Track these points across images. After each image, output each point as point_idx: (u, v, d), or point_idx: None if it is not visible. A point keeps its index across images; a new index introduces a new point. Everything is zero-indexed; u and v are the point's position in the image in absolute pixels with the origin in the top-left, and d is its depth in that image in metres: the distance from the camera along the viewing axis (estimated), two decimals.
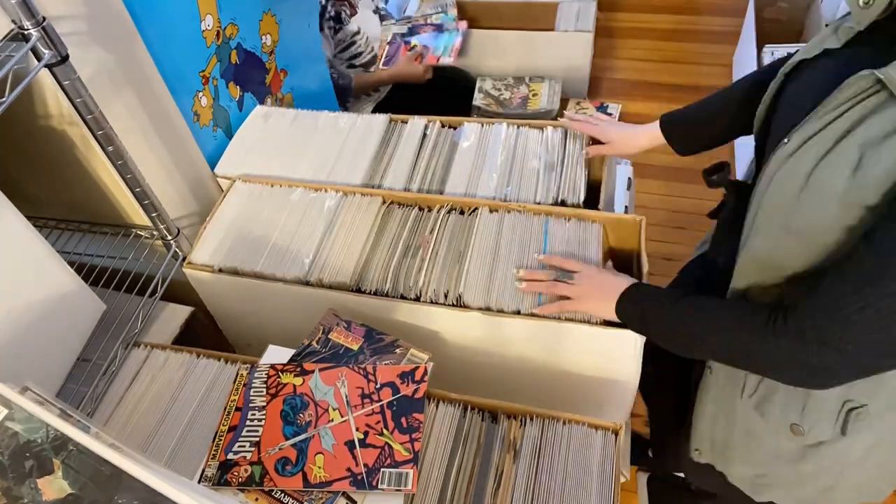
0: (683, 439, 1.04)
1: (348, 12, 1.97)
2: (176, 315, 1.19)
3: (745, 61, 2.42)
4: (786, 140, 0.72)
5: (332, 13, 1.93)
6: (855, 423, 0.79)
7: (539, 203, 1.14)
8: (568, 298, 0.95)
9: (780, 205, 0.72)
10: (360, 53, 2.04)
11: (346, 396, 0.90)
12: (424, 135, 1.30)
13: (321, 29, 1.89)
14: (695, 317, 0.80)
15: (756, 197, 0.77)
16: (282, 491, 0.83)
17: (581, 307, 0.95)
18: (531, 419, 0.91)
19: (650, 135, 1.10)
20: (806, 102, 0.71)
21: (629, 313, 0.89)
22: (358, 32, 2.02)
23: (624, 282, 0.91)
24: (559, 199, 1.14)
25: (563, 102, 2.54)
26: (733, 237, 0.83)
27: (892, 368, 0.69)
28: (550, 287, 0.97)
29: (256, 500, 0.83)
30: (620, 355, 1.00)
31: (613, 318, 0.91)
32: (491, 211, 1.12)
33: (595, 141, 1.20)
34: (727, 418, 0.93)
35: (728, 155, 2.31)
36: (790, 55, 0.81)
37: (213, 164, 1.31)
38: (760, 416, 0.87)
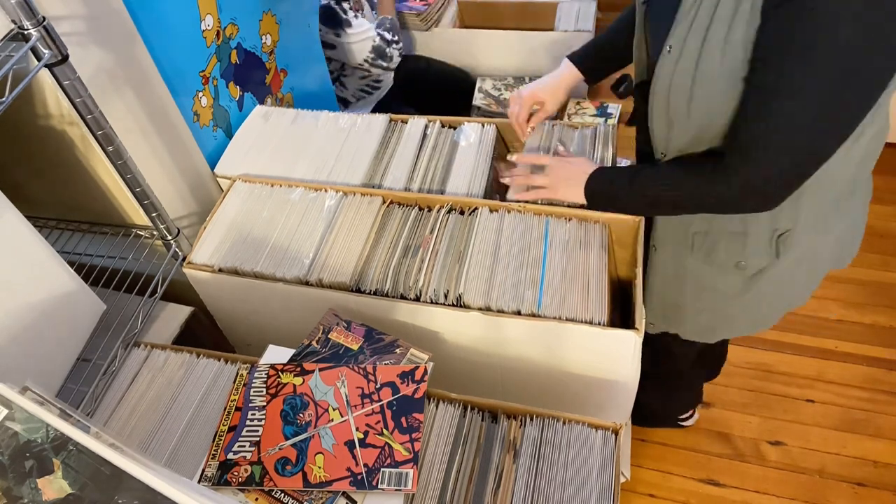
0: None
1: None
2: (176, 315, 1.19)
3: None
4: (668, 49, 0.84)
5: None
6: (784, 245, 0.95)
7: (539, 203, 1.14)
8: (543, 188, 1.11)
9: (680, 101, 0.85)
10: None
11: (346, 396, 0.90)
12: (425, 135, 1.30)
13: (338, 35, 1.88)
14: (654, 184, 0.94)
15: (658, 102, 0.89)
16: (282, 491, 0.83)
17: (554, 194, 1.10)
18: (531, 419, 0.91)
19: (569, 78, 1.20)
20: (668, 9, 0.84)
21: (597, 194, 1.03)
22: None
23: (589, 168, 1.05)
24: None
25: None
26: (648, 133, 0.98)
27: (815, 169, 0.81)
28: (527, 178, 1.13)
29: (256, 500, 0.83)
30: (620, 355, 1.00)
31: (582, 200, 1.05)
32: (491, 211, 1.12)
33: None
34: (678, 280, 1.07)
35: None
36: None
37: (213, 164, 1.31)
38: (710, 266, 1.02)
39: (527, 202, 1.12)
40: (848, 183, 0.91)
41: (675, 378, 1.46)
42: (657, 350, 1.27)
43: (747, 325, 1.12)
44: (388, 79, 2.16)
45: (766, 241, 0.95)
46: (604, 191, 1.02)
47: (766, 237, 0.94)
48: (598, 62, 1.19)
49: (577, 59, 1.19)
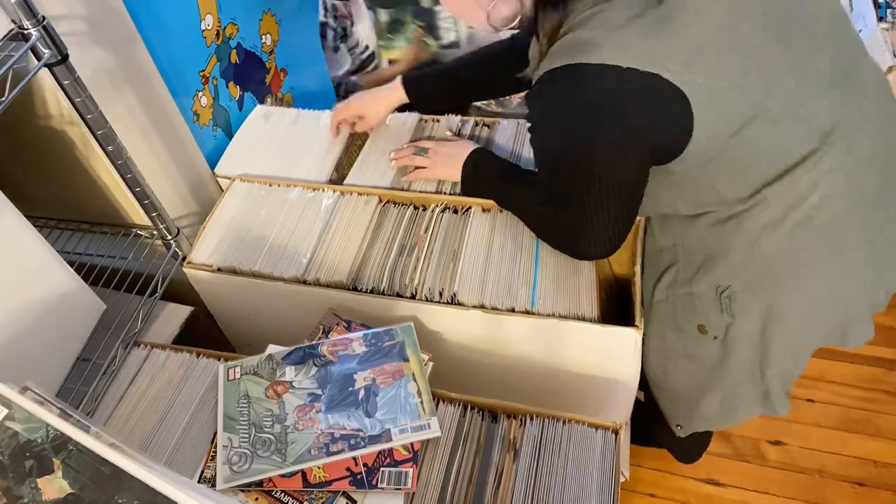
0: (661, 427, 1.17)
1: (351, 22, 1.96)
2: (176, 315, 1.19)
3: None
4: None
5: (340, 30, 1.92)
6: (733, 304, 0.90)
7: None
8: (423, 168, 1.15)
9: None
10: (363, 60, 2.04)
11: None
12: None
13: (336, 49, 1.89)
14: (513, 191, 1.02)
15: None
16: (282, 491, 0.83)
17: (433, 174, 1.15)
18: (531, 419, 0.91)
19: (395, 100, 1.18)
20: None
21: (469, 177, 1.09)
22: (363, 47, 2.01)
23: (469, 149, 1.09)
24: None
25: None
26: None
27: (619, 239, 0.87)
28: (410, 159, 1.17)
29: (256, 500, 0.83)
30: (620, 354, 1.00)
31: (458, 179, 1.10)
32: (484, 210, 1.12)
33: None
34: (670, 357, 1.03)
35: None
36: None
37: (213, 163, 1.31)
38: (682, 333, 0.98)
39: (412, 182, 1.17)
40: (784, 238, 0.83)
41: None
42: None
43: (754, 401, 1.00)
44: None
45: (713, 300, 0.91)
46: (475, 176, 1.07)
47: (710, 294, 0.90)
48: (429, 94, 1.16)
49: (409, 83, 1.16)
